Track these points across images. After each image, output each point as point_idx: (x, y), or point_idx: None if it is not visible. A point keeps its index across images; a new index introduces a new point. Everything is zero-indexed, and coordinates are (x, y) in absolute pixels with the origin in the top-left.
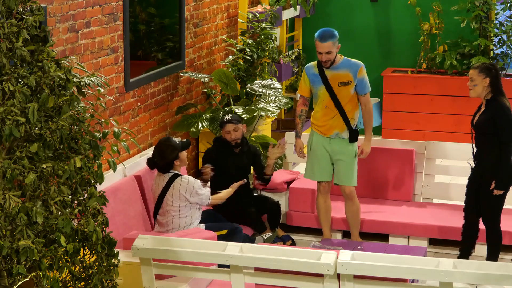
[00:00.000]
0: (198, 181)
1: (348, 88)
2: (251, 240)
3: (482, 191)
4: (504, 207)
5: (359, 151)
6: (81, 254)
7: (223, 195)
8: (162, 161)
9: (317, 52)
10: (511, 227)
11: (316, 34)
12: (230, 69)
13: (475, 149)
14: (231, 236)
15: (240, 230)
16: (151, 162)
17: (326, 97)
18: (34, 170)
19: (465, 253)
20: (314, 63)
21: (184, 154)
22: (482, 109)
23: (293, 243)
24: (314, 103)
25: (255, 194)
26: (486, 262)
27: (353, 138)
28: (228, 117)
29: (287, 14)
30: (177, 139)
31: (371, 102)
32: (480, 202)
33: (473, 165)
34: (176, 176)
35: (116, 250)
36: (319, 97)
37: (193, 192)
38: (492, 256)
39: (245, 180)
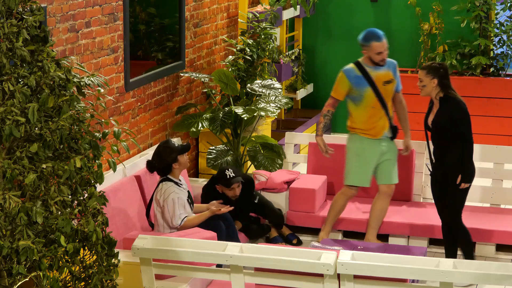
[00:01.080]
0: (179, 195)
1: (391, 86)
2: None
3: (447, 189)
4: (502, 206)
5: (404, 148)
6: (81, 254)
7: (197, 220)
8: (160, 163)
9: (376, 53)
10: (511, 227)
11: (369, 36)
12: (230, 69)
13: (432, 149)
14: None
15: (222, 229)
16: (150, 165)
17: (372, 98)
18: (34, 170)
19: (451, 252)
20: (352, 65)
21: (184, 157)
22: (436, 108)
23: (299, 242)
24: (355, 106)
25: (255, 201)
26: (486, 262)
27: (395, 135)
28: (233, 174)
29: (287, 14)
30: (176, 140)
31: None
32: (443, 200)
33: (430, 166)
34: (165, 180)
35: (116, 250)
36: (364, 99)
37: (165, 199)
38: (467, 254)
39: (231, 208)
